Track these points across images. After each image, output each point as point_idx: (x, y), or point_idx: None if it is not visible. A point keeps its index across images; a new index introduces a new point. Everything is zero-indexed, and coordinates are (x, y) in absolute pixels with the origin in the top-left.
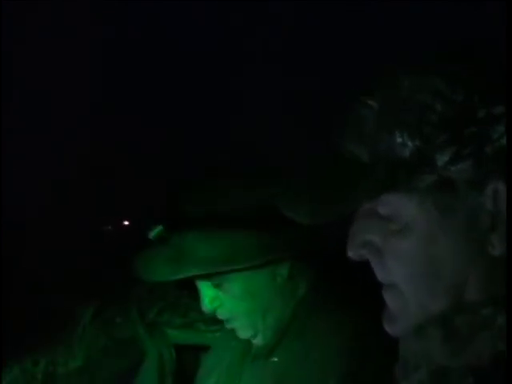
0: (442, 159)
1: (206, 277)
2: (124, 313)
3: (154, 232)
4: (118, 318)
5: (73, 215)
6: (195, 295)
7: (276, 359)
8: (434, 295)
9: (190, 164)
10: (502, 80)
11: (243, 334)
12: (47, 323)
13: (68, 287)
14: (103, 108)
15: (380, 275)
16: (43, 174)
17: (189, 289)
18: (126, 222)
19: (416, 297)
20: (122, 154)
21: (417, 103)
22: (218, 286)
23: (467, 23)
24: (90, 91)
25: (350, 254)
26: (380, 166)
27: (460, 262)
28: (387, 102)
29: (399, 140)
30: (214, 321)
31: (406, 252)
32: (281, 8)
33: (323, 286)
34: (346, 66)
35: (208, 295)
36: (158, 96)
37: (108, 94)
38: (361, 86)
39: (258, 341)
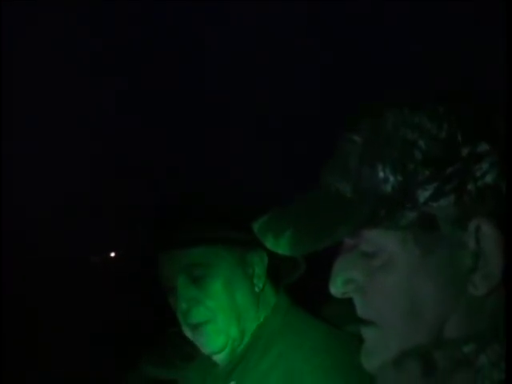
0: (423, 195)
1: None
2: None
3: None
4: None
5: None
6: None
7: (234, 383)
8: (414, 330)
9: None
10: (487, 119)
11: (214, 341)
12: None
13: None
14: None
15: (360, 311)
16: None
17: None
18: None
19: (396, 332)
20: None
21: (401, 139)
22: (198, 282)
23: (463, 67)
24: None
25: (333, 291)
26: (363, 201)
27: (441, 300)
28: (371, 138)
29: (381, 175)
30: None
31: (388, 287)
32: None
33: (295, 308)
34: (333, 101)
35: (184, 295)
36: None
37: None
38: (347, 121)
39: (223, 356)
